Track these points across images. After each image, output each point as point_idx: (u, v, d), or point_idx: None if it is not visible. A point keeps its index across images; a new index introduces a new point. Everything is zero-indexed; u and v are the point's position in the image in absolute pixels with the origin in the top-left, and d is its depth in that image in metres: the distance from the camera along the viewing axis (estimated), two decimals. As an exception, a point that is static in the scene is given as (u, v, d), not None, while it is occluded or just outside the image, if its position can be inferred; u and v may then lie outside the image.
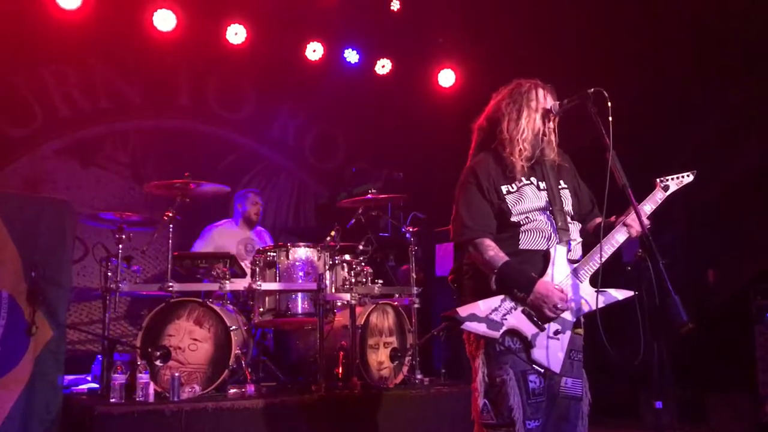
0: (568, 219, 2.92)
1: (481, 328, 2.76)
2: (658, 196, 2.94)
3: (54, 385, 3.84)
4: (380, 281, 5.22)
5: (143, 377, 4.19)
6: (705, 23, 5.96)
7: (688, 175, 2.98)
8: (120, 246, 4.67)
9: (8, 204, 3.83)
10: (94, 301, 6.10)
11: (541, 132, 2.94)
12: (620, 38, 6.38)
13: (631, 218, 2.81)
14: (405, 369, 5.12)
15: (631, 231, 2.82)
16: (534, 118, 2.93)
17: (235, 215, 6.27)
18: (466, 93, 7.86)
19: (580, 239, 2.95)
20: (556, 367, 2.78)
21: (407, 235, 5.46)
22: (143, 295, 5.66)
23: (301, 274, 5.00)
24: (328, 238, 5.10)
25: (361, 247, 5.28)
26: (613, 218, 2.92)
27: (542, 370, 2.77)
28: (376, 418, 4.49)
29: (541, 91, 2.99)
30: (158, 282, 4.82)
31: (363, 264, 5.20)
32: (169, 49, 6.97)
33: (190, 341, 4.48)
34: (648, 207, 2.91)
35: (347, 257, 5.18)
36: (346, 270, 5.14)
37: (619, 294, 2.85)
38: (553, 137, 2.96)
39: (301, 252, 5.07)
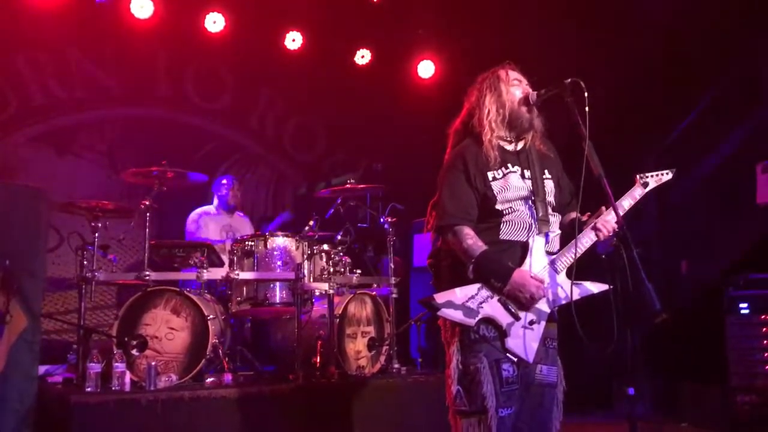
0: (550, 210, 2.94)
1: (457, 315, 2.78)
2: (636, 192, 2.97)
3: (29, 375, 3.78)
4: (358, 271, 5.23)
5: (119, 366, 4.17)
6: (683, 16, 6.02)
7: (667, 173, 3.01)
8: (96, 234, 4.63)
9: (-19, 191, 3.78)
10: (69, 291, 6.05)
11: (515, 113, 2.95)
12: (599, 30, 6.43)
13: (601, 222, 2.84)
14: (382, 358, 5.14)
15: (599, 234, 2.84)
16: (498, 96, 2.96)
17: (214, 202, 6.24)
18: (446, 84, 7.87)
19: (559, 231, 2.97)
20: (530, 357, 2.82)
21: (386, 225, 5.46)
22: (119, 284, 5.62)
23: (279, 263, 5.00)
24: (307, 228, 5.10)
25: (339, 237, 5.29)
26: (586, 216, 2.95)
27: (516, 359, 2.80)
28: (354, 407, 4.50)
29: (501, 72, 3.03)
30: (135, 271, 4.79)
31: (341, 254, 5.20)
32: (147, 36, 6.90)
33: (167, 330, 4.47)
34: (626, 202, 2.94)
35: (325, 247, 5.18)
36: (324, 260, 5.14)
37: (595, 287, 2.89)
38: (536, 125, 2.98)
39: (280, 241, 5.07)
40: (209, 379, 4.47)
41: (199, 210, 6.15)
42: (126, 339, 4.37)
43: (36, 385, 3.82)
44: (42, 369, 4.50)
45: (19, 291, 3.73)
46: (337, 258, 5.16)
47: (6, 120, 6.55)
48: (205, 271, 4.76)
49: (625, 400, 5.83)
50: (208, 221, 6.07)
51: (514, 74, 3.04)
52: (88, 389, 4.07)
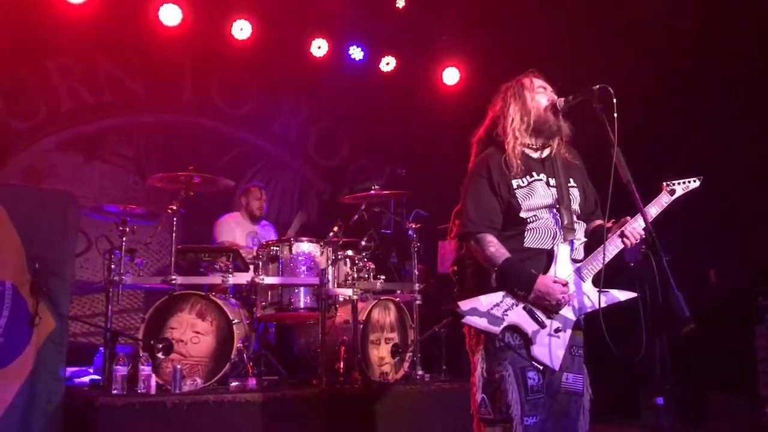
0: (574, 218, 2.92)
1: (481, 322, 2.77)
2: (663, 200, 2.94)
3: (56, 376, 3.85)
4: (382, 277, 5.23)
5: (145, 369, 4.20)
6: (710, 23, 5.95)
7: (694, 181, 2.98)
8: (124, 239, 4.68)
9: (12, 195, 3.85)
10: (96, 294, 6.12)
11: (541, 120, 2.93)
12: (625, 36, 6.37)
13: (629, 230, 2.82)
14: (406, 365, 5.13)
15: (626, 242, 2.82)
16: (523, 104, 2.95)
17: (240, 209, 6.29)
18: (471, 91, 7.87)
19: (584, 239, 2.95)
20: (556, 365, 2.79)
21: (410, 231, 5.46)
22: (146, 288, 5.68)
23: (303, 268, 5.01)
24: (331, 234, 5.10)
25: (363, 243, 5.29)
26: (610, 223, 2.92)
27: (541, 367, 2.78)
28: (377, 413, 4.49)
29: (525, 80, 3.02)
30: (161, 275, 4.83)
31: (365, 260, 5.21)
32: (174, 43, 7.00)
33: (193, 334, 4.50)
34: (653, 210, 2.91)
35: (350, 253, 5.19)
36: (348, 265, 5.15)
37: (622, 295, 2.86)
38: (563, 132, 2.96)
39: (304, 246, 5.08)
40: (234, 383, 4.49)
41: (226, 215, 6.19)
42: (152, 342, 4.41)
43: (63, 386, 3.88)
44: (69, 371, 4.55)
45: (48, 293, 3.80)
46: (361, 264, 5.17)
47: (36, 126, 6.67)
48: (230, 275, 4.79)
49: (653, 410, 5.77)
50: (234, 226, 6.11)
51: (538, 82, 3.03)
52: (115, 391, 4.11)
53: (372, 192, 5.51)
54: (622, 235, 2.83)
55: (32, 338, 3.74)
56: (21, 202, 3.80)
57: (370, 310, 4.98)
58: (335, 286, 4.99)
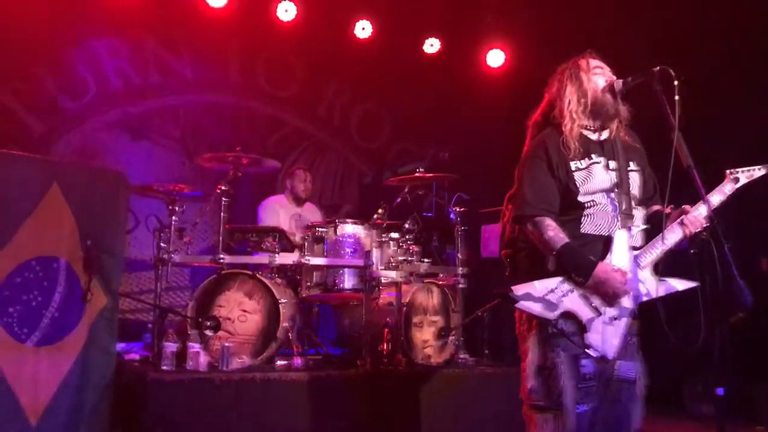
0: (633, 203, 2.85)
1: (536, 308, 2.73)
2: (726, 188, 2.85)
3: (108, 351, 3.92)
4: (427, 260, 5.22)
5: (194, 346, 4.26)
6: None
7: (759, 169, 2.87)
8: (174, 217, 4.74)
9: (65, 173, 3.88)
10: (144, 272, 6.23)
11: (599, 101, 2.87)
12: (684, 11, 6.16)
13: (689, 218, 2.75)
14: (449, 348, 5.12)
15: (685, 230, 2.76)
16: (579, 86, 2.89)
17: (285, 192, 6.32)
18: (515, 74, 7.78)
19: (644, 225, 2.88)
20: (610, 353, 2.74)
21: (452, 215, 5.43)
22: (195, 267, 5.75)
23: (348, 250, 5.02)
24: (376, 216, 5.10)
25: (407, 226, 5.28)
26: (669, 209, 2.85)
27: (595, 355, 2.74)
28: (421, 396, 4.50)
29: (582, 61, 2.95)
30: (208, 254, 4.88)
31: (409, 242, 5.20)
32: (220, 25, 7.03)
33: (240, 312, 4.55)
34: (716, 198, 2.82)
35: (394, 235, 5.19)
36: (392, 248, 5.15)
37: (680, 284, 2.80)
38: (621, 113, 2.90)
39: (349, 228, 5.09)
40: (280, 362, 4.53)
41: (271, 198, 6.24)
42: (200, 320, 4.47)
43: (114, 361, 3.95)
44: (119, 346, 4.64)
45: (100, 270, 3.86)
46: (405, 246, 5.16)
47: (86, 105, 6.77)
48: (276, 255, 4.82)
49: (699, 400, 5.68)
50: (279, 209, 6.15)
51: (595, 62, 2.97)
52: (164, 367, 4.18)
53: (416, 175, 5.48)
54: (682, 223, 2.76)
55: (85, 314, 3.80)
56: (74, 180, 3.84)
57: (414, 293, 4.98)
58: (380, 268, 4.99)
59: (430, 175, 5.60)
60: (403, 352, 4.76)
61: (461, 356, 5.12)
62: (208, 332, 4.45)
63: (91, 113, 6.82)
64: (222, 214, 4.81)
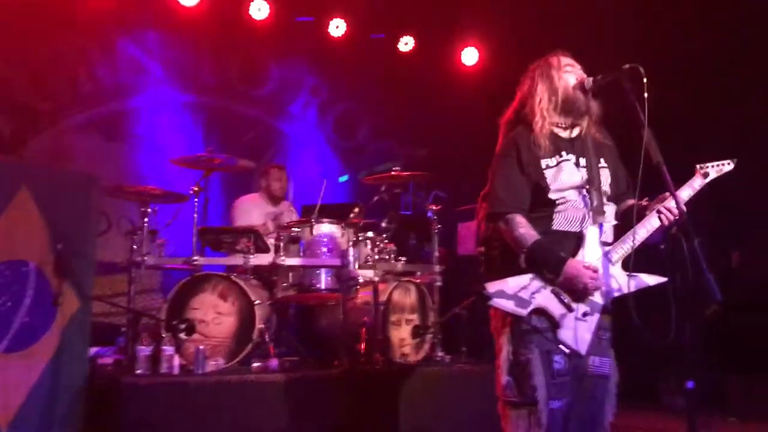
0: (604, 199, 2.87)
1: (508, 305, 2.74)
2: (696, 183, 2.88)
3: (80, 356, 3.90)
4: (403, 258, 5.22)
5: (168, 349, 4.22)
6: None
7: (728, 163, 2.91)
8: (146, 219, 4.69)
9: (35, 176, 3.86)
10: (117, 275, 6.14)
11: (570, 99, 2.89)
12: (654, 11, 6.21)
13: (665, 206, 2.77)
14: (427, 346, 5.12)
15: (662, 218, 2.78)
16: (550, 83, 2.90)
17: (259, 190, 6.27)
18: (490, 72, 7.81)
19: (614, 221, 2.90)
20: (582, 349, 2.76)
21: (429, 213, 5.43)
22: (168, 269, 5.69)
23: (324, 250, 5.00)
24: (352, 215, 5.09)
25: (384, 225, 5.27)
26: (644, 201, 2.88)
27: (568, 351, 2.75)
28: (399, 394, 4.50)
29: (553, 59, 2.97)
30: (182, 256, 4.84)
31: (386, 241, 5.19)
32: (193, 24, 6.97)
33: (215, 315, 4.51)
34: (686, 193, 2.85)
35: (370, 234, 5.17)
36: (369, 247, 5.14)
37: (651, 279, 2.81)
38: (592, 111, 2.91)
39: (325, 228, 5.07)
40: (256, 364, 4.50)
41: (245, 197, 6.18)
42: (174, 323, 4.42)
43: (87, 366, 3.92)
44: (92, 351, 4.59)
45: (71, 274, 3.82)
46: (381, 245, 5.15)
47: (56, 107, 6.68)
48: (251, 256, 4.79)
49: (674, 394, 5.74)
50: (252, 209, 6.09)
51: (566, 60, 2.98)
52: (138, 371, 4.13)
53: (392, 173, 5.47)
54: (659, 212, 2.78)
55: (56, 318, 3.77)
56: (44, 183, 3.82)
57: (391, 292, 4.97)
58: (356, 267, 4.97)
59: (407, 173, 5.59)
60: (381, 351, 4.75)
61: (439, 354, 5.13)
62: (182, 335, 4.41)
63: (62, 114, 6.74)
64: (195, 215, 4.76)
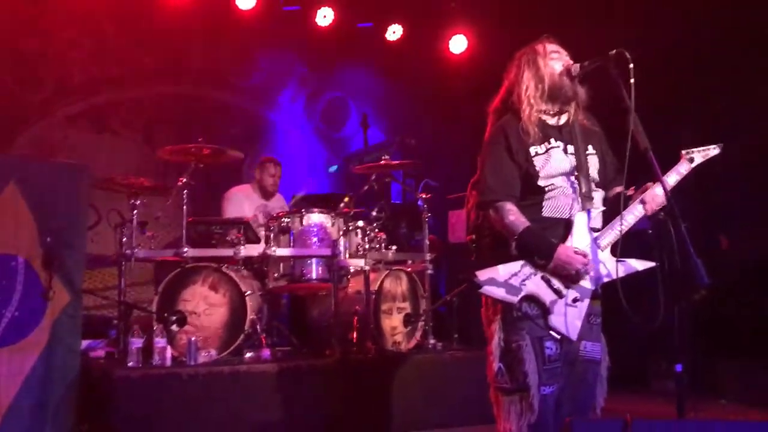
0: (593, 186, 2.88)
1: (499, 292, 2.75)
2: (682, 168, 2.88)
3: (72, 349, 3.88)
4: (394, 247, 5.22)
5: (160, 342, 4.22)
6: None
7: (714, 148, 2.92)
8: (135, 212, 4.67)
9: (23, 169, 3.82)
10: (108, 268, 6.12)
11: (556, 85, 2.89)
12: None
13: (649, 196, 2.79)
14: (418, 334, 5.15)
15: (646, 208, 2.79)
16: (537, 71, 2.90)
17: (252, 182, 6.25)
18: (478, 59, 7.77)
19: (603, 207, 2.92)
20: (573, 334, 2.78)
21: (419, 202, 5.43)
22: (158, 261, 5.67)
23: (315, 240, 5.00)
24: (342, 205, 5.09)
25: (374, 214, 5.28)
26: (631, 190, 2.89)
27: (559, 337, 2.77)
28: (390, 382, 4.52)
29: (539, 46, 2.96)
30: (173, 248, 4.83)
31: (376, 230, 5.20)
32: (181, 15, 6.93)
33: (206, 306, 4.51)
34: (672, 178, 2.86)
35: (360, 224, 5.18)
36: (359, 236, 5.14)
37: (640, 264, 2.83)
38: (578, 97, 2.92)
39: (315, 218, 5.07)
40: (248, 355, 4.52)
41: (236, 188, 6.16)
42: (166, 315, 4.42)
43: (79, 359, 3.90)
44: (84, 344, 4.59)
45: (61, 267, 3.80)
46: (372, 234, 5.16)
47: (45, 99, 6.64)
48: (242, 247, 4.78)
49: (664, 378, 5.78)
50: (243, 200, 6.07)
51: (552, 47, 2.98)
52: (130, 364, 4.14)
53: (382, 162, 5.47)
54: (643, 201, 2.79)
55: (47, 312, 3.75)
56: (32, 176, 3.78)
57: (382, 281, 4.99)
58: (347, 257, 4.98)
59: (396, 162, 5.59)
60: (373, 340, 4.78)
61: (430, 341, 5.15)
62: (174, 327, 4.41)
63: (51, 107, 6.69)
64: (184, 206, 4.75)
